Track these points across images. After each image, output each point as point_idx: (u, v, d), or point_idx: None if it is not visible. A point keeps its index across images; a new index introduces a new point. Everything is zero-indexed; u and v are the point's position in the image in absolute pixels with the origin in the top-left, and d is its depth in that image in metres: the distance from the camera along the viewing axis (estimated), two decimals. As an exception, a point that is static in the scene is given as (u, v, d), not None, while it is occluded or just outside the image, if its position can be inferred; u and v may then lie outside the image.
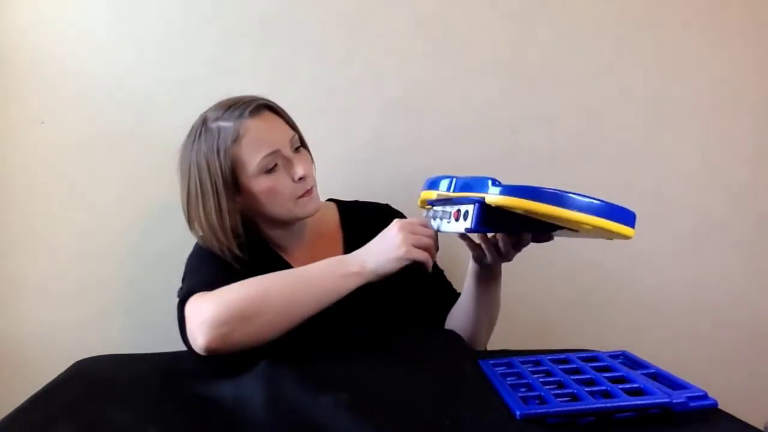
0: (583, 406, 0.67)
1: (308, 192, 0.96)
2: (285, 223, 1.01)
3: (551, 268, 1.30)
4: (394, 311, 0.98)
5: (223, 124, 0.94)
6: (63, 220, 1.21)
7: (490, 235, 0.90)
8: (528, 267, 1.28)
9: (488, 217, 0.78)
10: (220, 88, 1.04)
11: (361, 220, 1.08)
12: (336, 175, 1.11)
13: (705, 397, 0.69)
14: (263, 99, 0.98)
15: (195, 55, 1.23)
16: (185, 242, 1.04)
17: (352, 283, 0.84)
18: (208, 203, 0.94)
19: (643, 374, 0.77)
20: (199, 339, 0.80)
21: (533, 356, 0.87)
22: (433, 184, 0.90)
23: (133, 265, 1.22)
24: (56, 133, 1.21)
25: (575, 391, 0.71)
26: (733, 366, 1.33)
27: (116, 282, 1.22)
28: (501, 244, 0.89)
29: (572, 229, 0.78)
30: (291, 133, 0.97)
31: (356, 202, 1.14)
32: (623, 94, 1.31)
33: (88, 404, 0.73)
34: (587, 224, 0.71)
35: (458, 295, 1.04)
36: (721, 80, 1.33)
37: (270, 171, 0.94)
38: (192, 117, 1.10)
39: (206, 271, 0.93)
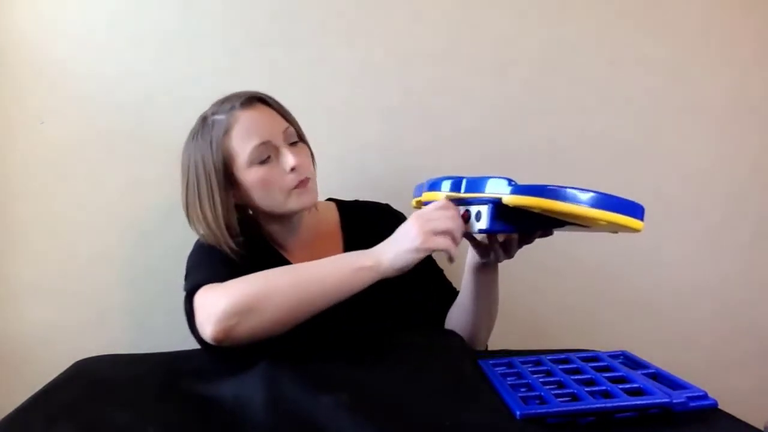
0: (583, 406, 0.67)
1: (302, 183, 0.95)
2: (282, 218, 1.00)
3: (552, 268, 1.30)
4: (400, 309, 0.98)
5: (216, 117, 0.96)
6: (63, 220, 1.21)
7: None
8: (528, 267, 1.29)
9: (502, 216, 0.78)
10: (220, 88, 1.03)
11: (362, 220, 1.09)
12: (336, 175, 1.11)
13: (705, 397, 0.69)
14: (257, 92, 0.98)
15: (195, 55, 1.23)
16: (185, 242, 1.04)
17: (366, 278, 0.81)
18: (204, 197, 0.95)
19: (643, 374, 0.77)
20: (207, 330, 0.79)
21: (533, 356, 0.87)
22: (434, 185, 0.89)
23: (133, 265, 1.22)
24: (56, 133, 1.21)
25: (575, 391, 0.71)
26: (733, 366, 1.33)
27: (116, 282, 1.22)
28: (508, 242, 0.89)
29: (581, 224, 0.78)
30: (285, 125, 0.97)
31: (356, 201, 1.14)
32: (624, 95, 1.31)
33: (88, 404, 0.73)
34: (603, 220, 0.72)
35: (457, 293, 1.04)
36: (722, 80, 1.33)
37: (262, 163, 0.94)
38: (192, 117, 1.10)
39: (211, 265, 0.93)
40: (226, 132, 0.94)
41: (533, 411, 0.67)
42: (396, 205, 1.12)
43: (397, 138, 1.28)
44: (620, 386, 0.71)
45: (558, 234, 0.86)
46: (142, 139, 1.22)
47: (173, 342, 0.95)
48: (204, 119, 0.98)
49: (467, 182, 0.82)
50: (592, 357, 0.85)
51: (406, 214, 1.11)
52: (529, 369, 0.82)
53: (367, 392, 0.71)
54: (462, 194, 0.82)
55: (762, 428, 0.66)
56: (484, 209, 0.79)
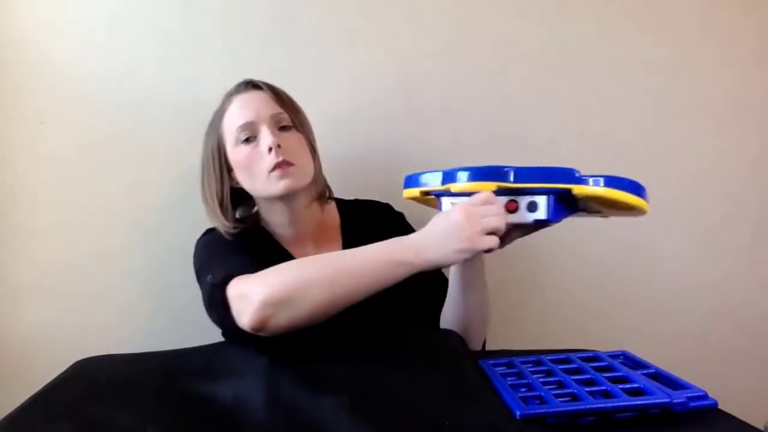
0: (583, 406, 0.67)
1: (281, 166, 0.94)
2: (275, 207, 1.01)
3: (552, 268, 1.30)
4: (402, 303, 0.97)
5: (219, 105, 1.02)
6: (63, 220, 1.21)
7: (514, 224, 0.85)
8: (528, 267, 1.29)
9: (558, 206, 0.80)
10: (220, 88, 1.04)
11: (362, 220, 1.09)
12: (336, 175, 1.11)
13: (705, 397, 0.69)
14: (253, 79, 1.02)
15: (195, 55, 1.23)
16: (186, 242, 1.04)
17: (404, 273, 0.79)
18: (206, 178, 1.01)
19: (643, 374, 0.77)
20: (245, 319, 0.80)
21: (533, 356, 0.87)
22: (449, 176, 0.85)
23: (133, 265, 1.22)
24: (56, 133, 1.21)
25: (575, 391, 0.71)
26: (733, 366, 1.33)
27: (116, 282, 1.22)
28: (506, 233, 0.85)
29: (599, 211, 0.85)
30: (278, 110, 0.98)
31: (356, 200, 1.14)
32: (624, 95, 1.31)
33: (88, 404, 0.73)
34: (640, 207, 0.80)
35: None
36: (722, 80, 1.33)
37: (246, 143, 0.97)
38: (192, 117, 1.10)
39: (233, 255, 0.93)
40: (221, 116, 1.00)
41: (533, 411, 0.67)
42: (396, 205, 1.12)
43: (397, 138, 1.28)
44: (620, 386, 0.71)
45: (558, 234, 0.87)
46: (142, 139, 1.22)
47: (173, 342, 0.95)
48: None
49: (519, 172, 0.81)
50: (592, 357, 0.85)
51: (406, 214, 1.12)
52: (529, 369, 0.82)
53: (367, 392, 0.71)
54: (515, 185, 0.80)
55: (762, 428, 0.66)
56: (542, 199, 0.79)
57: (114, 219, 1.22)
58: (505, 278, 1.26)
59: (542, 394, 0.71)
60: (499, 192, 0.81)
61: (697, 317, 1.34)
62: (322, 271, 0.81)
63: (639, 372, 0.78)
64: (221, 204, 0.99)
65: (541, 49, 1.29)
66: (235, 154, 0.98)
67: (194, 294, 0.99)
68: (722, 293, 1.34)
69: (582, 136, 1.31)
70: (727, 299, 1.34)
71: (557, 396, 0.70)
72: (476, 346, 1.02)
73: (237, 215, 1.02)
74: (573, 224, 0.90)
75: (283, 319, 0.79)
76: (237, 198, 1.02)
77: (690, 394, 0.68)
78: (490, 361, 0.85)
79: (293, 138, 0.99)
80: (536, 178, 0.80)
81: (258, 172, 0.96)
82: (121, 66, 1.22)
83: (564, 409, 0.67)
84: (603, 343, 0.99)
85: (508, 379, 0.79)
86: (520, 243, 0.89)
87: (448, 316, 1.00)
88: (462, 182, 0.83)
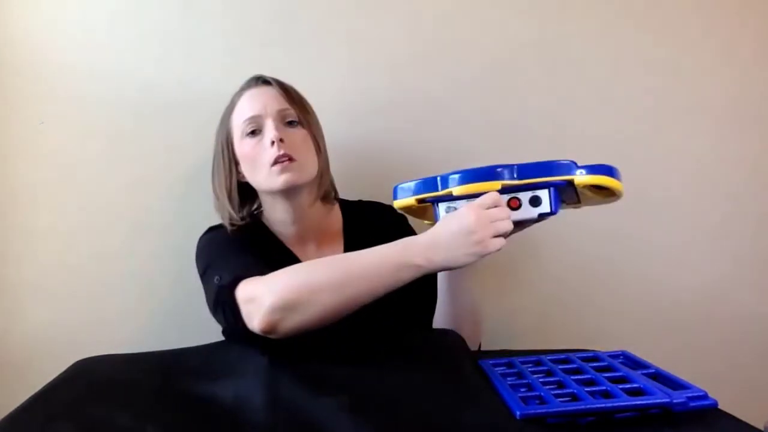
0: (583, 406, 0.67)
1: (280, 160, 0.95)
2: (273, 199, 1.01)
3: (551, 267, 1.30)
4: (401, 306, 0.97)
5: (230, 101, 1.04)
6: (63, 221, 1.21)
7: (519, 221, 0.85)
8: (528, 267, 1.29)
9: (558, 197, 0.83)
10: (220, 88, 1.04)
11: (364, 221, 1.09)
12: (336, 175, 1.11)
13: (705, 397, 0.69)
14: (264, 75, 1.03)
15: (195, 55, 1.23)
16: (186, 242, 1.04)
17: (412, 275, 0.79)
18: (215, 170, 1.04)
19: (643, 374, 0.77)
20: (255, 322, 0.80)
21: (533, 356, 0.87)
22: (447, 180, 0.84)
23: (134, 265, 1.22)
24: (56, 133, 1.21)
25: (575, 391, 0.71)
26: (733, 366, 1.33)
27: (116, 282, 1.22)
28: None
29: (579, 201, 0.89)
30: (285, 105, 0.99)
31: (359, 201, 1.14)
32: (624, 95, 1.31)
33: (88, 404, 0.73)
34: (621, 192, 0.84)
35: None
36: (722, 80, 1.33)
37: (251, 136, 0.98)
38: (192, 117, 1.11)
39: (238, 256, 0.93)
40: (231, 110, 1.02)
41: (533, 411, 0.67)
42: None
43: (397, 138, 1.28)
44: (620, 386, 0.71)
45: (559, 234, 0.87)
46: (142, 138, 1.22)
47: (173, 342, 0.95)
48: None
49: (519, 169, 0.82)
50: (592, 357, 0.85)
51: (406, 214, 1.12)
52: (529, 369, 0.82)
53: (367, 392, 0.71)
54: (518, 181, 0.81)
55: (762, 428, 0.66)
56: (544, 193, 0.81)
57: (114, 219, 1.22)
58: (505, 278, 1.26)
59: (542, 394, 0.71)
60: (500, 191, 0.81)
61: (697, 317, 1.34)
62: (330, 275, 0.81)
63: (639, 372, 0.78)
64: (229, 196, 1.01)
65: (541, 49, 1.29)
66: (241, 147, 0.99)
67: (194, 294, 1.00)
68: (722, 293, 1.34)
69: (582, 136, 1.31)
70: (727, 299, 1.34)
71: (557, 396, 0.70)
72: (472, 349, 1.02)
73: (244, 211, 1.03)
74: (573, 224, 0.90)
75: (292, 322, 0.80)
76: (244, 193, 1.03)
77: (690, 394, 0.68)
78: (490, 361, 0.85)
79: (298, 134, 0.99)
80: (538, 173, 0.81)
81: (260, 166, 0.97)
82: (121, 66, 1.22)
83: (564, 409, 0.67)
84: (603, 343, 0.99)
85: (508, 379, 0.79)
86: (520, 243, 0.89)
87: (439, 321, 1.01)
88: (464, 184, 0.83)
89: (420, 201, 0.88)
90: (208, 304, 0.92)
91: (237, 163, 1.02)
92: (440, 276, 0.98)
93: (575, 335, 1.28)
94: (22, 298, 1.21)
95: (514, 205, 0.82)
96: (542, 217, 0.83)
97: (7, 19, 1.19)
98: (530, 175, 0.81)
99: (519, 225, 0.84)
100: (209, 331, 1.00)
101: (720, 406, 0.69)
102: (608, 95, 1.31)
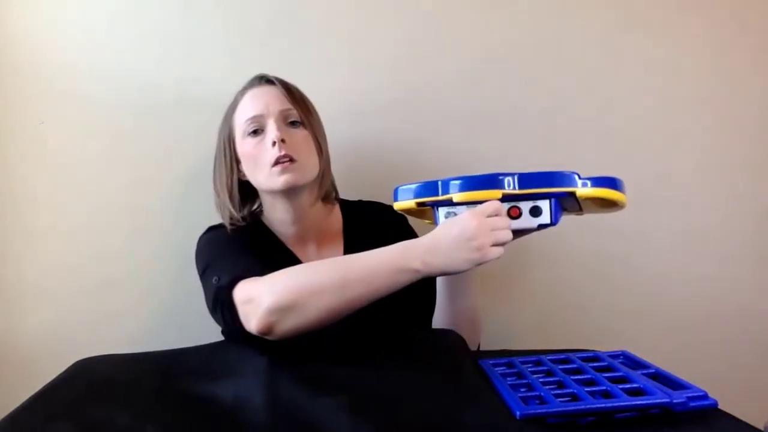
0: (583, 406, 0.67)
1: (282, 161, 0.95)
2: (274, 199, 1.01)
3: (551, 268, 1.30)
4: (401, 307, 0.97)
5: (234, 97, 1.04)
6: (62, 221, 1.21)
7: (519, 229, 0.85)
8: (528, 267, 1.29)
9: (559, 208, 0.83)
10: (220, 88, 1.04)
11: (364, 221, 1.09)
12: (336, 175, 1.11)
13: (705, 397, 0.69)
14: (268, 74, 1.03)
15: (195, 55, 1.23)
16: (186, 242, 1.04)
17: (410, 279, 0.80)
18: (217, 168, 1.04)
19: (643, 374, 0.77)
20: (253, 323, 0.80)
21: (533, 356, 0.87)
22: (448, 185, 0.84)
23: (133, 265, 1.22)
24: (56, 133, 1.21)
25: (575, 391, 0.71)
26: (733, 366, 1.33)
27: (116, 282, 1.22)
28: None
29: (581, 209, 0.89)
30: (287, 106, 0.99)
31: (360, 201, 1.14)
32: (623, 95, 1.31)
33: (88, 404, 0.73)
34: (624, 204, 0.85)
35: None
36: (723, 80, 1.33)
37: (253, 136, 0.98)
38: (192, 117, 1.11)
39: (237, 256, 0.93)
40: (234, 108, 1.02)
41: (533, 411, 0.67)
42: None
43: (397, 138, 1.28)
44: (620, 386, 0.71)
45: (559, 234, 0.87)
46: (142, 139, 1.22)
47: (173, 342, 0.95)
48: None
49: (520, 178, 0.82)
50: (592, 357, 0.85)
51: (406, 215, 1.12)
52: (529, 369, 0.82)
53: (367, 393, 0.71)
54: (518, 191, 0.81)
55: (762, 428, 0.66)
56: (545, 204, 0.81)
57: (114, 219, 1.22)
58: (505, 278, 1.26)
59: (542, 394, 0.71)
60: (501, 199, 0.82)
61: (697, 317, 1.34)
62: (329, 277, 0.81)
63: (639, 372, 0.78)
64: (230, 194, 1.01)
65: (542, 49, 1.29)
66: (243, 146, 1.00)
67: (194, 294, 1.00)
68: (722, 293, 1.34)
69: (582, 136, 1.31)
70: (727, 299, 1.34)
71: (557, 396, 0.70)
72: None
73: (245, 210, 1.03)
74: (573, 225, 0.90)
75: (290, 324, 0.80)
76: (244, 192, 1.03)
77: (690, 394, 0.68)
78: (490, 361, 0.85)
79: (300, 135, 0.99)
80: (540, 183, 0.81)
81: (261, 165, 0.97)
82: (121, 66, 1.22)
83: (564, 409, 0.67)
84: (603, 343, 0.99)
85: (508, 379, 0.79)
86: (519, 243, 0.88)
87: (438, 324, 1.01)
88: (465, 191, 0.83)
89: (420, 204, 0.88)
90: (207, 304, 0.92)
91: (238, 162, 1.02)
92: (440, 279, 0.98)
93: (575, 335, 1.28)
94: (22, 298, 1.21)
95: (514, 214, 0.82)
96: (542, 227, 0.83)
97: (7, 19, 1.19)
98: (532, 185, 0.81)
99: (517, 234, 0.84)
100: (209, 331, 1.00)
101: (720, 406, 0.69)
102: (608, 95, 1.31)
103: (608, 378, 0.74)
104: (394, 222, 1.09)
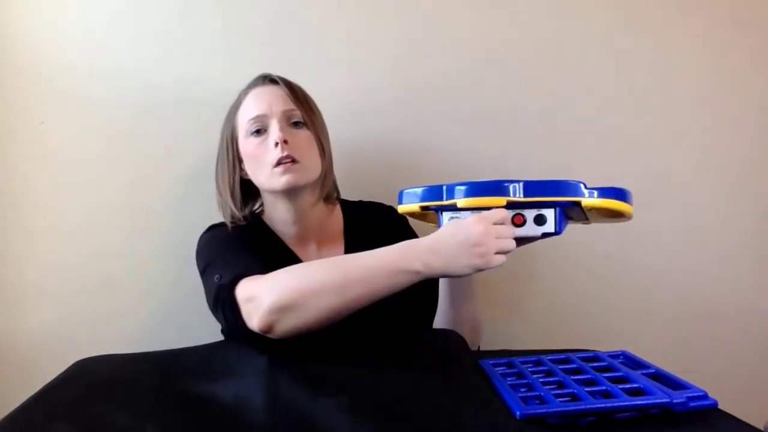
0: (583, 406, 0.67)
1: (283, 161, 0.95)
2: (275, 198, 1.01)
3: (551, 268, 1.30)
4: (402, 307, 0.97)
5: (238, 96, 1.04)
6: (63, 220, 1.21)
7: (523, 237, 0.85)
8: (528, 268, 1.29)
9: (563, 217, 0.83)
10: (220, 88, 1.04)
11: (365, 222, 1.09)
12: (336, 175, 1.11)
13: (705, 397, 0.69)
14: (272, 74, 1.03)
15: (195, 55, 1.23)
16: (186, 242, 1.04)
17: (410, 281, 0.79)
18: (219, 166, 1.04)
19: (643, 374, 0.77)
20: (254, 321, 0.80)
21: (533, 356, 0.87)
22: (453, 190, 0.85)
23: (133, 265, 1.22)
24: (56, 133, 1.21)
25: (575, 391, 0.71)
26: (733, 366, 1.33)
27: (116, 282, 1.22)
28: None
29: (587, 219, 0.88)
30: (290, 106, 0.99)
31: (360, 202, 1.14)
32: (624, 95, 1.31)
33: (88, 404, 0.73)
34: (630, 215, 0.85)
35: None
36: (723, 80, 1.33)
37: (256, 136, 0.99)
38: (192, 117, 1.11)
39: (238, 255, 0.93)
40: (237, 107, 1.02)
41: (533, 411, 0.67)
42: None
43: (397, 138, 1.28)
44: (620, 386, 0.71)
45: (559, 237, 0.87)
46: (142, 139, 1.22)
47: (173, 342, 0.95)
48: None
49: (525, 186, 0.81)
50: (592, 357, 0.85)
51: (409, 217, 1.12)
52: (529, 369, 0.82)
53: (367, 393, 0.71)
54: (523, 199, 0.81)
55: (762, 428, 0.67)
56: (550, 212, 0.81)
57: (114, 219, 1.22)
58: (505, 279, 1.26)
59: (542, 394, 0.71)
60: (506, 206, 0.82)
61: (697, 317, 1.34)
62: (330, 277, 0.81)
63: (639, 372, 0.78)
64: (232, 193, 1.01)
65: (542, 49, 1.29)
66: (245, 145, 1.00)
67: (194, 294, 1.00)
68: (722, 293, 1.34)
69: (582, 137, 1.31)
70: (727, 299, 1.34)
71: (557, 396, 0.70)
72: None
73: (246, 209, 1.03)
74: (573, 225, 0.90)
75: (290, 323, 0.80)
76: (246, 191, 1.03)
77: (690, 394, 0.68)
78: (490, 361, 0.85)
79: (302, 135, 0.99)
80: (546, 191, 0.81)
81: (263, 165, 0.97)
82: (121, 66, 1.22)
83: (564, 409, 0.67)
84: (603, 343, 0.99)
85: (508, 379, 0.79)
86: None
87: (438, 325, 1.01)
88: (470, 197, 0.83)
89: (424, 208, 0.89)
90: (208, 303, 0.92)
91: (240, 161, 1.02)
92: (442, 283, 0.98)
93: (575, 335, 1.28)
94: (22, 298, 1.21)
95: (519, 221, 0.82)
96: (545, 236, 0.83)
97: (7, 19, 1.19)
98: (537, 193, 0.81)
99: (521, 242, 0.85)
100: (209, 331, 1.00)
101: (720, 406, 0.69)
102: (608, 95, 1.31)
103: (608, 378, 0.74)
104: (395, 222, 1.09)
